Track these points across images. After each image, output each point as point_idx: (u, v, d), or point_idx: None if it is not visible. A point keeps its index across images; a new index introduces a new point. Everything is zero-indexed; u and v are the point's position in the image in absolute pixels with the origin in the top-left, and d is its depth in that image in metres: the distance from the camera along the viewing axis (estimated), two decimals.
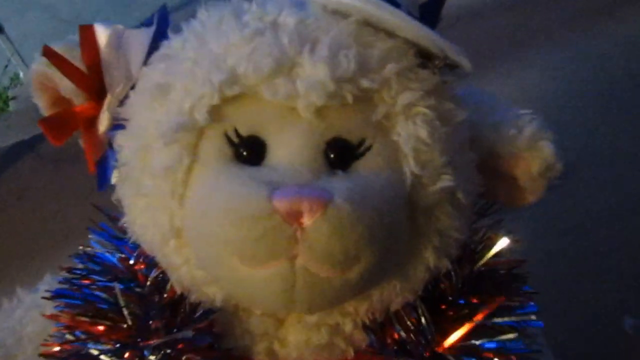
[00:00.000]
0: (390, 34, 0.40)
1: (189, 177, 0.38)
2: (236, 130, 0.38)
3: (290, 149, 0.37)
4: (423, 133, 0.38)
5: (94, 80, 0.45)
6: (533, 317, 0.45)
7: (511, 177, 0.46)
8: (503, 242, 0.48)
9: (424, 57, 0.42)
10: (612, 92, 1.10)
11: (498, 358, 0.44)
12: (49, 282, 0.52)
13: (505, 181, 0.47)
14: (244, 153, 0.38)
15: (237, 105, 0.38)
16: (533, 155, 0.45)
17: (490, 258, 0.48)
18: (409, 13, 0.41)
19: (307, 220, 0.33)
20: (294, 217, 0.33)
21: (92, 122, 0.47)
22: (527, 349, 0.46)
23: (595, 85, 1.11)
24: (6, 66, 1.62)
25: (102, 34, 0.45)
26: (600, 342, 0.71)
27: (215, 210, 0.35)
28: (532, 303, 0.47)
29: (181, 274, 0.42)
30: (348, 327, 0.44)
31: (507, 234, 0.51)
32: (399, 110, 0.38)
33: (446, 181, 0.39)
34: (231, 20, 0.40)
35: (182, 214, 0.39)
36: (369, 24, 0.40)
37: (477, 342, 0.44)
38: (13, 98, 1.54)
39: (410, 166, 0.38)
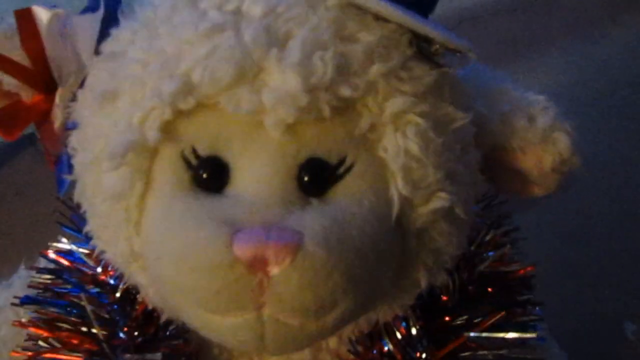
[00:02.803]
0: (379, 17, 0.34)
1: (143, 202, 0.33)
2: (194, 150, 0.32)
3: (256, 174, 0.31)
4: (414, 147, 0.32)
5: (39, 72, 0.39)
6: (533, 334, 0.41)
7: (520, 171, 0.41)
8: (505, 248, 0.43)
9: (422, 41, 0.35)
10: (613, 98, 1.05)
11: None
12: (24, 277, 0.49)
13: (513, 174, 0.42)
14: (204, 176, 0.32)
15: (194, 119, 0.32)
16: (546, 149, 0.39)
17: (494, 260, 0.44)
18: None
19: (273, 269, 0.29)
20: (259, 265, 0.29)
21: (46, 115, 0.42)
22: None
23: (597, 91, 1.06)
24: None
25: (43, 18, 0.38)
26: (601, 348, 0.70)
27: (170, 255, 0.31)
28: (536, 315, 0.43)
29: (149, 294, 0.38)
30: (333, 342, 0.41)
31: (511, 229, 0.46)
32: (387, 120, 0.32)
33: (442, 200, 0.34)
34: (185, 8, 0.33)
35: (140, 240, 0.34)
36: (354, 5, 0.34)
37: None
38: None
39: (398, 187, 0.32)
